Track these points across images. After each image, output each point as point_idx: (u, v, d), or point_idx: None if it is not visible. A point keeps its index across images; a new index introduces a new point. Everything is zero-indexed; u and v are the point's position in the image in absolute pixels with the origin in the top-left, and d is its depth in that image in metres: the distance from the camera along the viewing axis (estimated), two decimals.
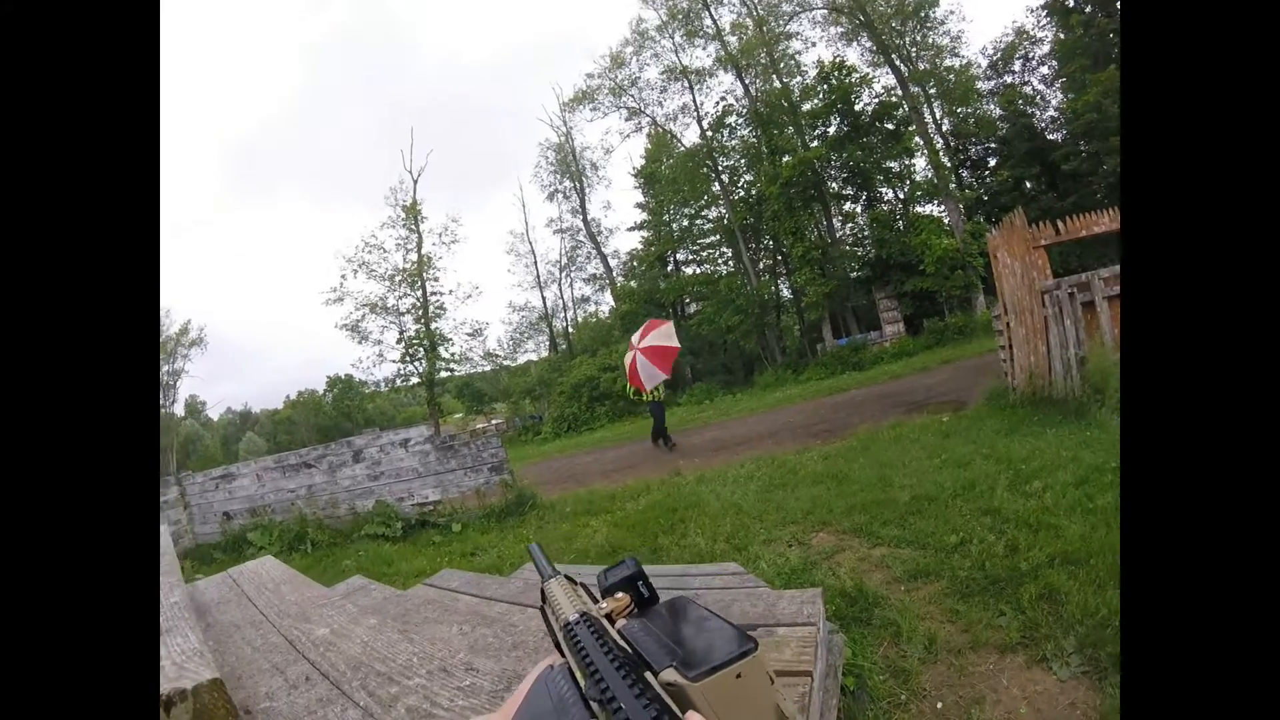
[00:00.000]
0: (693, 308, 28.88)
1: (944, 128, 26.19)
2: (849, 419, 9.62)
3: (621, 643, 0.46)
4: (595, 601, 0.57)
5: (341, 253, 27.77)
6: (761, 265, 27.36)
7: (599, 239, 32.50)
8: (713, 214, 28.43)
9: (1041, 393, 6.68)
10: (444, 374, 28.03)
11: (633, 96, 28.09)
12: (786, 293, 26.74)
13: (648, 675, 0.40)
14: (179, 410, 38.22)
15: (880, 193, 25.45)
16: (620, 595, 0.57)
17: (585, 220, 32.24)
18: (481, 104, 67.69)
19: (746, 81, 25.51)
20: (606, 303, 32.96)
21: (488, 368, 32.43)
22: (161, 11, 0.89)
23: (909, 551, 3.52)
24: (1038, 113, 25.36)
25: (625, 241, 56.87)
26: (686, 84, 26.81)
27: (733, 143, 26.67)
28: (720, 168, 26.68)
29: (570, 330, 33.43)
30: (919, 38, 24.73)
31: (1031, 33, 25.31)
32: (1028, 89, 25.72)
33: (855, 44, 25.00)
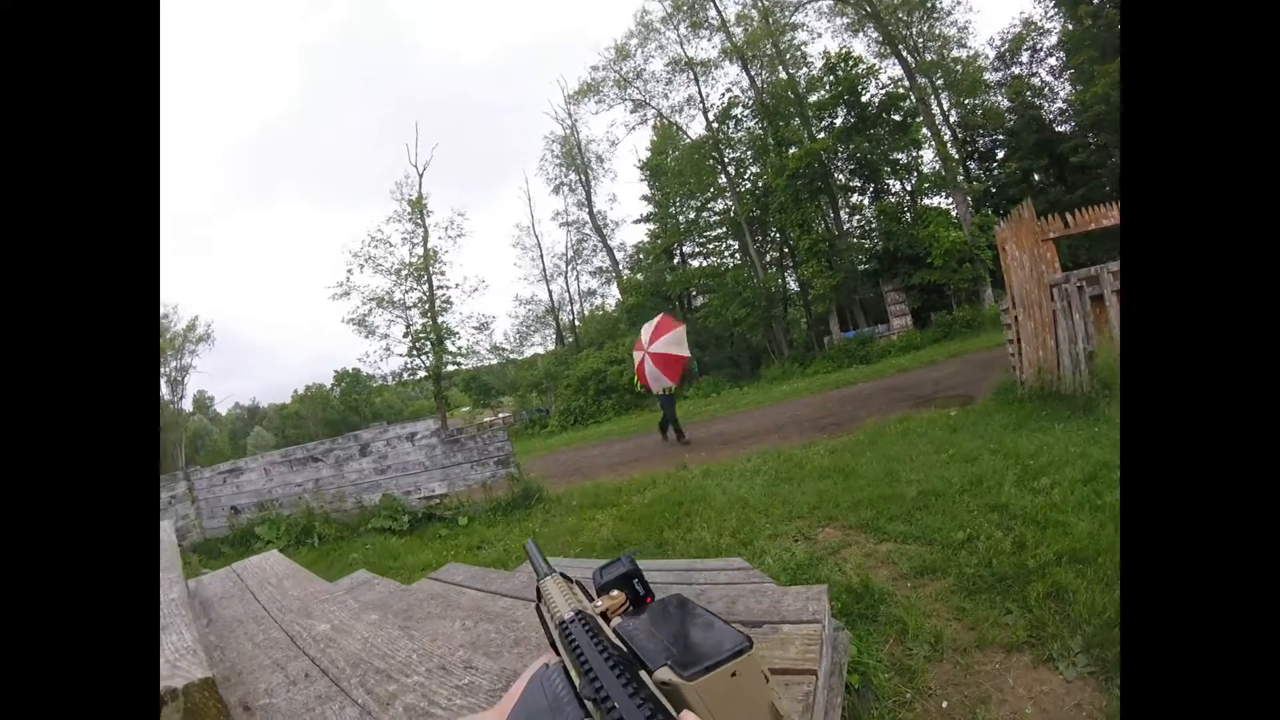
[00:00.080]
0: (699, 300, 28.82)
1: (951, 119, 25.98)
2: (856, 413, 9.58)
3: (616, 641, 0.46)
4: (591, 599, 0.57)
5: (348, 247, 27.75)
6: (768, 258, 27.27)
7: (605, 232, 32.48)
8: (719, 206, 28.33)
9: (1050, 387, 6.62)
10: (451, 367, 28.17)
11: (638, 88, 28.02)
12: (793, 285, 26.69)
13: (642, 674, 0.39)
14: (187, 406, 38.49)
15: (887, 185, 25.27)
16: (616, 593, 0.57)
17: (591, 213, 32.21)
18: (486, 98, 67.67)
19: (752, 73, 25.36)
20: (613, 296, 32.98)
21: (494, 361, 32.47)
22: (163, 12, 0.90)
23: (915, 547, 3.49)
24: (1046, 104, 25.13)
25: (631, 234, 56.75)
26: (692, 75, 26.70)
27: (739, 134, 26.54)
28: (726, 160, 26.57)
29: (577, 323, 33.44)
30: (926, 28, 24.52)
31: (1039, 23, 25.08)
32: (1036, 80, 25.47)
33: (861, 34, 24.83)
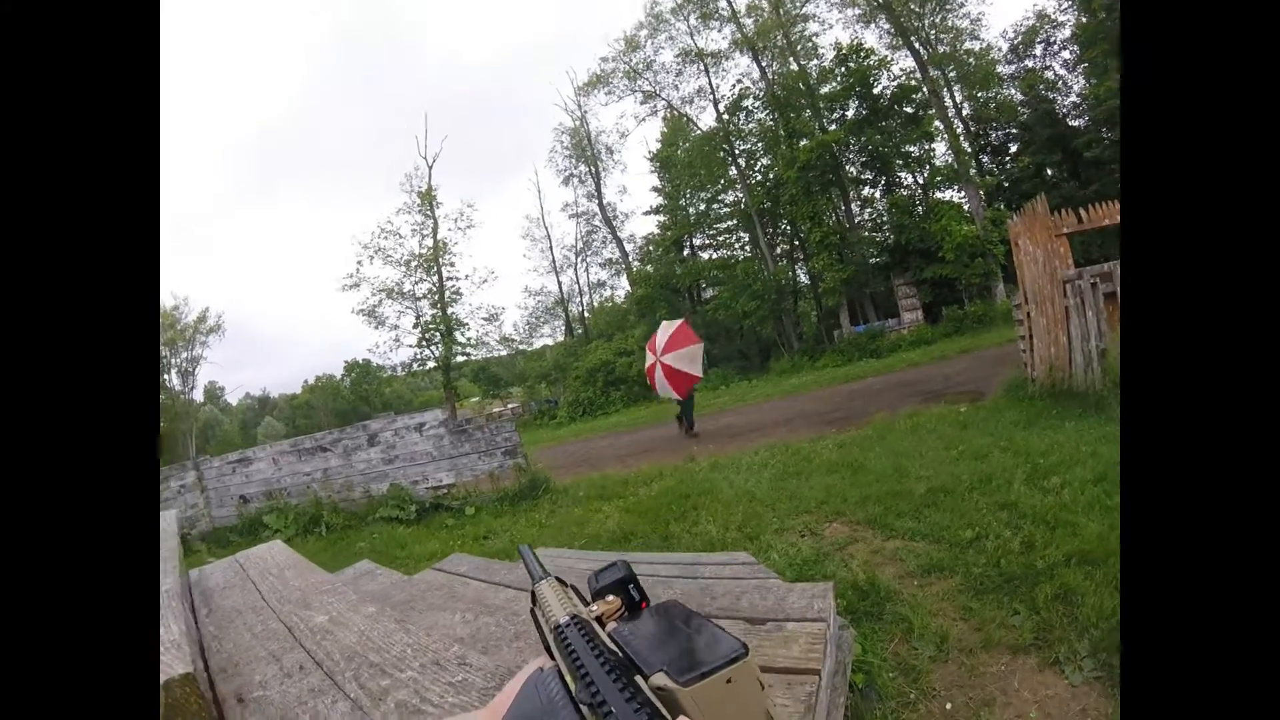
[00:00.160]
0: (709, 293, 28.74)
1: (964, 112, 25.73)
2: (865, 407, 9.52)
3: (612, 646, 0.45)
4: (586, 604, 0.57)
5: (358, 239, 27.91)
6: (779, 250, 27.14)
7: (615, 223, 32.42)
8: (729, 198, 28.17)
9: (1061, 385, 6.54)
10: (460, 358, 28.27)
11: (648, 80, 27.92)
12: (804, 278, 26.55)
13: (638, 679, 0.39)
14: (198, 396, 38.78)
15: (899, 177, 25.09)
16: (611, 598, 0.57)
17: (601, 204, 32.13)
18: (496, 90, 67.54)
19: (763, 64, 25.18)
20: (622, 287, 32.96)
21: (504, 352, 32.63)
22: (164, 12, 0.92)
23: (923, 545, 3.45)
24: (1059, 98, 24.87)
25: (641, 226, 56.58)
26: (702, 67, 26.54)
27: (749, 126, 26.39)
28: (737, 151, 26.42)
29: (586, 315, 33.44)
30: (938, 20, 24.23)
31: (1053, 16, 24.77)
32: (1049, 74, 25.21)
33: (873, 26, 24.57)
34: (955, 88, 25.43)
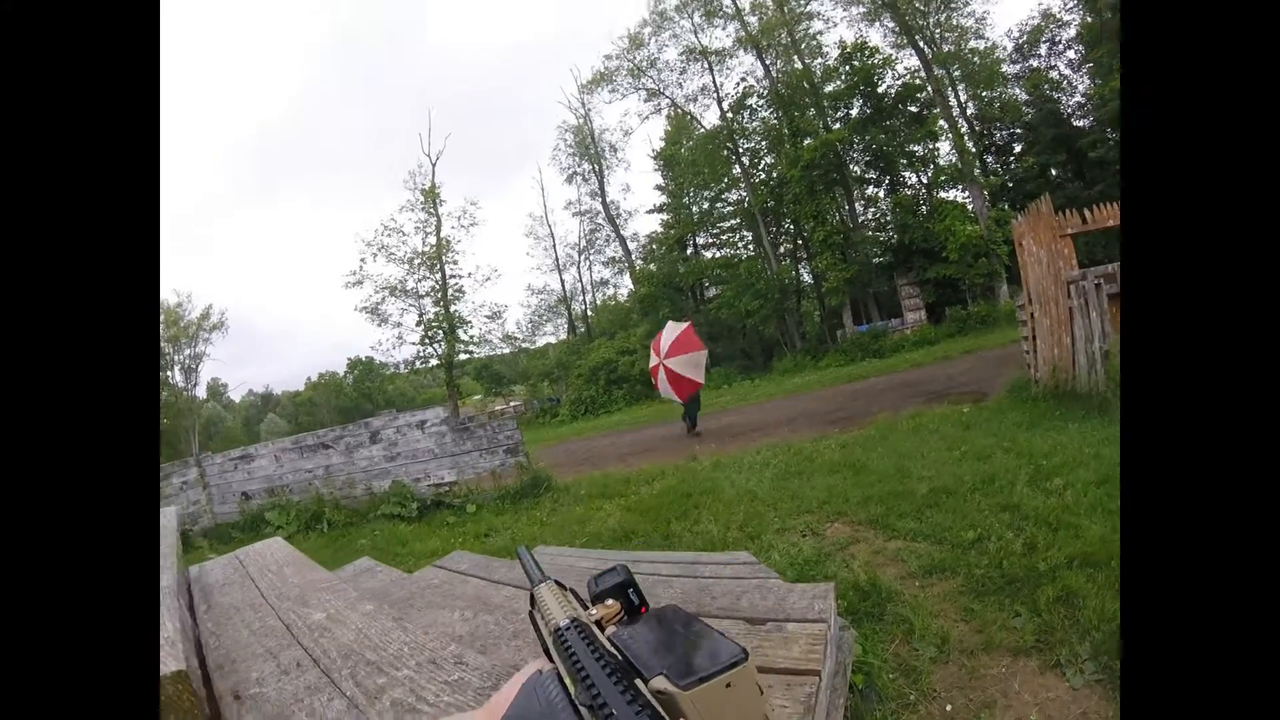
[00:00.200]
0: (712, 291, 28.70)
1: (968, 111, 25.66)
2: (868, 407, 9.50)
3: (611, 649, 0.45)
4: (585, 608, 0.57)
5: (361, 236, 27.92)
6: (782, 249, 27.11)
7: (618, 222, 32.42)
8: (733, 197, 28.16)
9: (1064, 386, 6.51)
10: (463, 356, 28.30)
11: (651, 78, 27.90)
12: (807, 277, 26.56)
13: (638, 682, 0.39)
14: (201, 393, 38.81)
15: (903, 177, 25.05)
16: (610, 602, 0.57)
17: (604, 203, 32.13)
18: (500, 88, 67.47)
19: (767, 62, 25.12)
20: (625, 286, 32.96)
21: (506, 350, 32.63)
22: (168, 10, 0.92)
23: (925, 546, 3.44)
24: (1064, 98, 24.77)
25: (644, 224, 56.62)
26: (706, 65, 26.51)
27: (753, 125, 26.34)
28: (741, 150, 26.39)
29: (589, 313, 33.44)
30: (943, 19, 24.17)
31: (1058, 16, 24.67)
32: (1054, 74, 25.11)
33: (878, 24, 24.52)
34: (960, 87, 25.37)
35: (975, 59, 24.86)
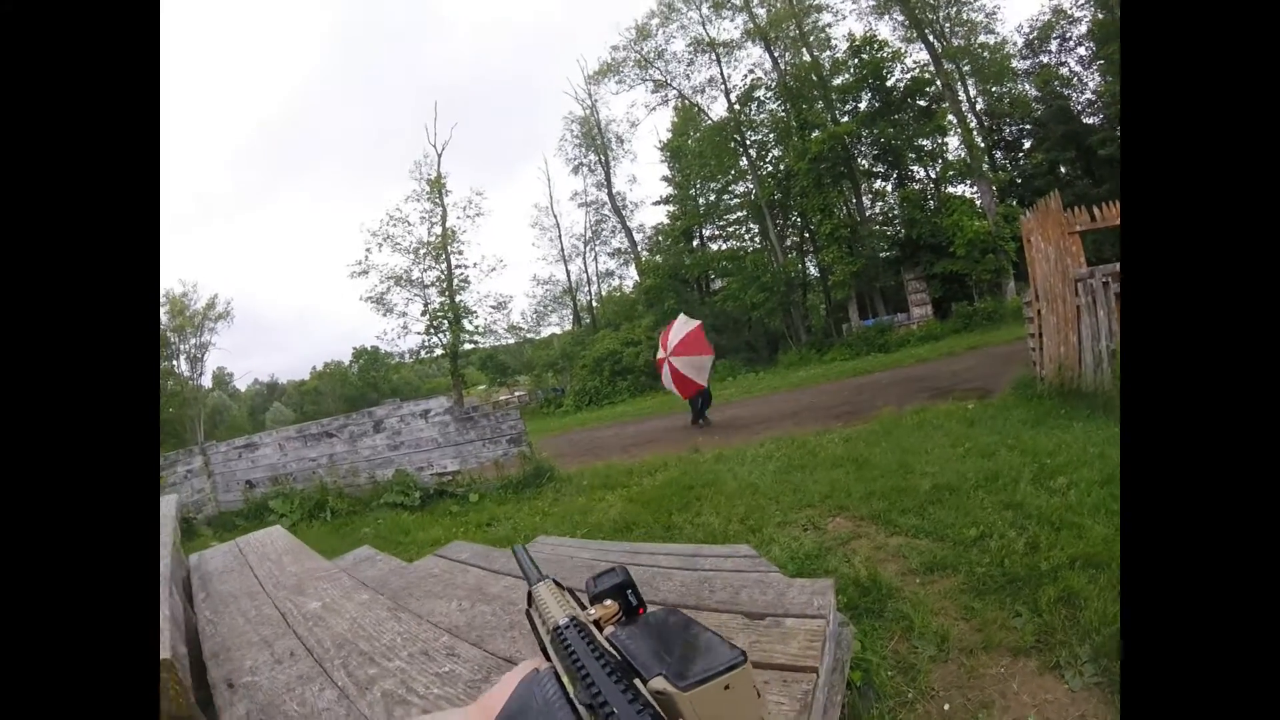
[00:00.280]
0: (718, 284, 28.62)
1: (978, 107, 25.45)
2: (872, 402, 9.46)
3: (610, 649, 0.46)
4: (583, 608, 0.57)
5: (366, 226, 27.92)
6: (788, 242, 26.99)
7: (624, 213, 32.31)
8: (740, 189, 28.00)
9: (1070, 384, 6.46)
10: (468, 346, 28.29)
11: (659, 69, 27.74)
12: (813, 271, 26.43)
13: (637, 683, 0.40)
14: (206, 382, 38.91)
15: (911, 171, 24.87)
16: (609, 602, 0.57)
17: (610, 194, 32.02)
18: (505, 79, 67.21)
19: (775, 54, 24.93)
20: (630, 277, 32.89)
21: (511, 340, 32.64)
22: (164, 10, 0.97)
23: (926, 542, 3.41)
24: (1074, 95, 24.56)
25: (650, 216, 56.41)
26: (714, 57, 26.33)
27: (761, 117, 26.18)
28: (748, 142, 26.23)
29: (594, 304, 33.40)
30: (953, 12, 23.94)
31: (1069, 11, 24.41)
32: (1064, 70, 24.89)
33: (887, 17, 24.30)
34: (969, 82, 25.16)
35: (985, 54, 24.63)
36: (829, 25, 25.12)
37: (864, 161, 24.69)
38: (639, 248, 32.16)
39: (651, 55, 27.48)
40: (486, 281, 48.00)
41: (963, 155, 23.09)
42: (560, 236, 33.56)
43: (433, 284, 27.62)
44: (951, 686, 2.17)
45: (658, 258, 30.25)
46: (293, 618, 1.93)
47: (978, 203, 22.19)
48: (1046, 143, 23.93)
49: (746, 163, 26.47)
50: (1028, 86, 25.46)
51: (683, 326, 10.69)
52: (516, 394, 31.67)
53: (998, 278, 21.04)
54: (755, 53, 25.75)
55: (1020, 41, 25.57)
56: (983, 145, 23.98)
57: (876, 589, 2.88)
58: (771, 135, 26.03)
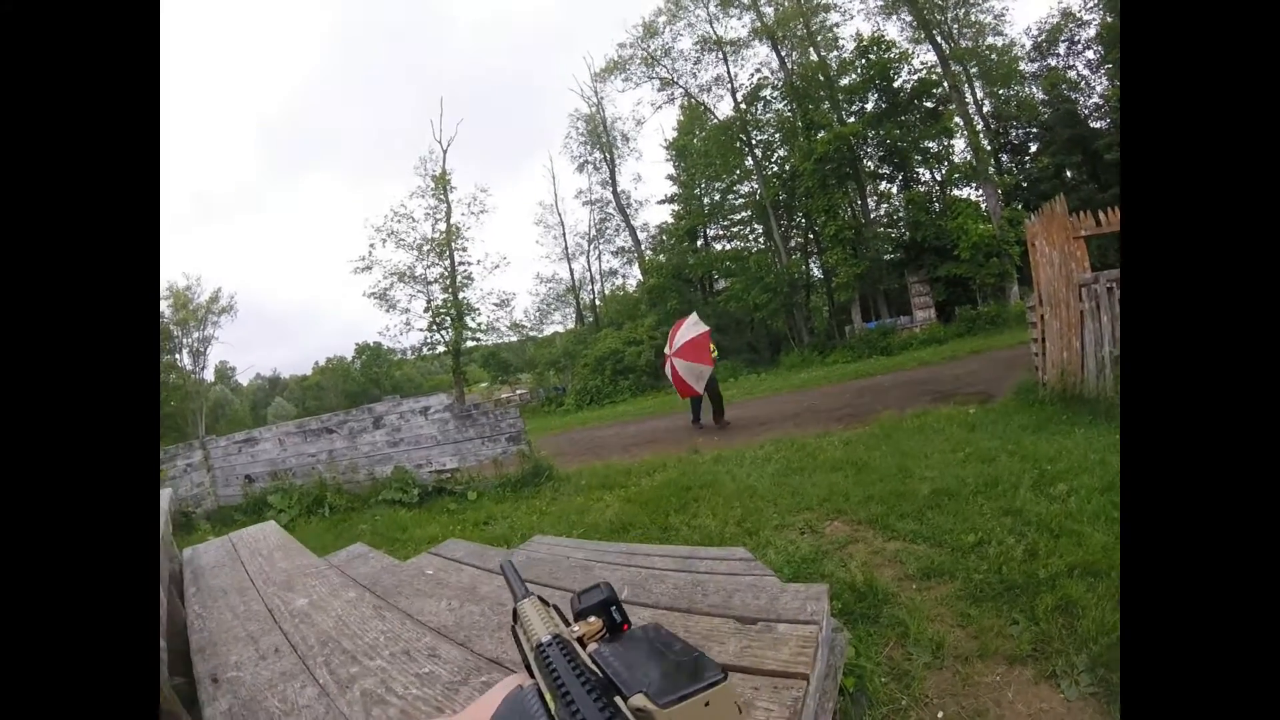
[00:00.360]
0: (721, 284, 28.58)
1: (984, 109, 25.38)
2: (873, 405, 9.43)
3: (593, 666, 0.47)
4: (568, 624, 0.59)
5: (370, 221, 27.90)
6: (793, 243, 26.94)
7: (628, 212, 32.27)
8: (745, 189, 27.94)
9: (1072, 390, 6.42)
10: (470, 343, 28.29)
11: (665, 67, 27.67)
12: (817, 272, 26.35)
13: (618, 700, 0.41)
14: (209, 376, 38.89)
15: (917, 173, 24.80)
16: (593, 619, 0.58)
17: (615, 192, 31.99)
18: (512, 75, 67.20)
19: (782, 54, 24.88)
20: (634, 276, 32.83)
21: (514, 338, 32.64)
22: (164, 9, 0.96)
23: (924, 548, 3.39)
24: (1082, 99, 24.47)
25: (655, 215, 56.32)
26: (721, 55, 26.28)
27: (767, 116, 26.13)
28: (754, 142, 26.19)
29: (597, 303, 33.37)
30: (961, 14, 23.86)
31: (1078, 15, 24.32)
32: (1072, 74, 24.79)
33: (895, 18, 24.21)
34: (976, 84, 25.08)
35: (993, 56, 24.55)
36: (837, 25, 25.10)
37: (869, 163, 24.63)
38: (643, 247, 32.14)
39: (658, 53, 27.45)
40: (490, 279, 47.93)
41: (969, 158, 23.01)
42: (564, 234, 33.58)
43: (436, 280, 27.63)
44: (946, 694, 2.14)
45: (661, 257, 30.21)
46: (280, 614, 1.92)
47: (983, 206, 22.12)
48: (1053, 146, 23.87)
49: (752, 162, 26.42)
50: (1035, 90, 25.39)
51: (690, 329, 10.58)
52: (518, 392, 31.68)
53: (1001, 282, 20.98)
54: (762, 52, 25.74)
55: (1028, 44, 25.51)
56: (989, 148, 23.91)
57: (872, 594, 2.85)
58: (777, 135, 25.99)
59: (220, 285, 36.15)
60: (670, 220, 30.93)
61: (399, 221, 27.33)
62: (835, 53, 24.89)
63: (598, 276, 34.05)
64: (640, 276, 31.09)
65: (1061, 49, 25.11)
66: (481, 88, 64.96)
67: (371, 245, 27.50)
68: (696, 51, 26.80)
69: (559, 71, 75.18)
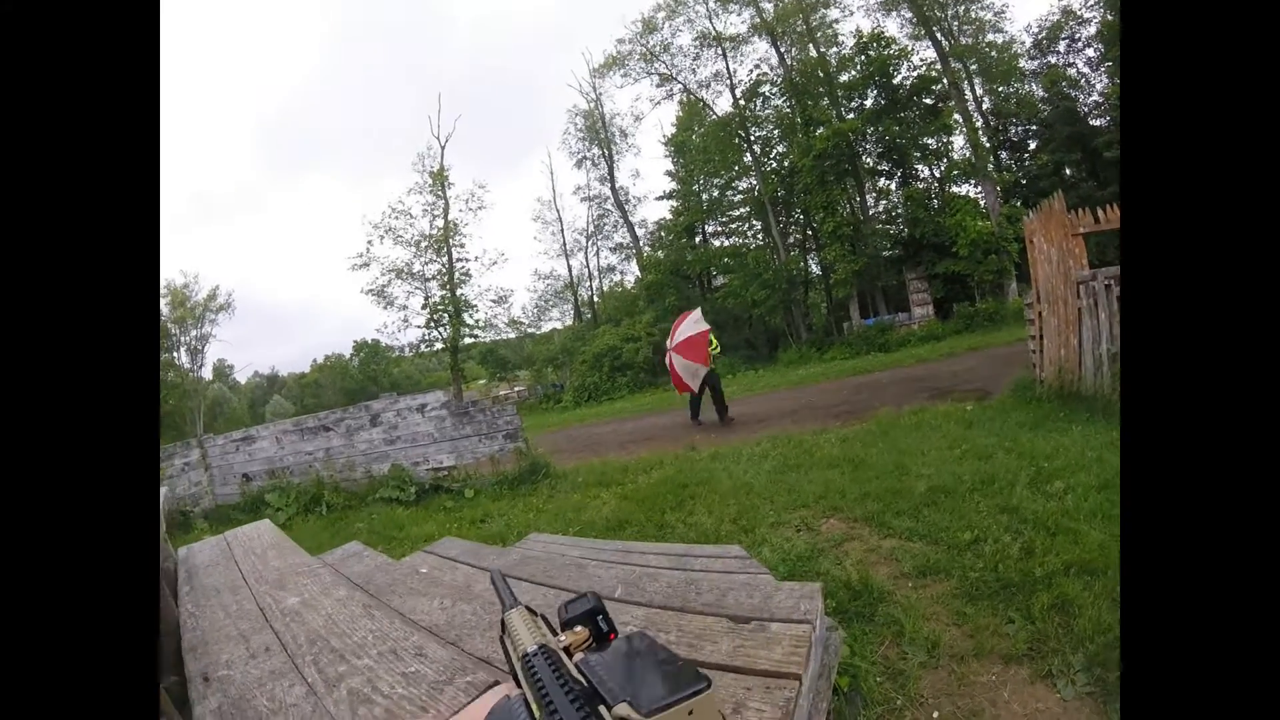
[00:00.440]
0: (719, 280, 28.56)
1: (984, 106, 25.36)
2: (870, 401, 9.43)
3: (578, 676, 0.47)
4: (555, 634, 0.59)
5: (368, 218, 27.83)
6: (791, 240, 26.92)
7: (626, 208, 32.20)
8: (743, 185, 27.90)
9: (1070, 387, 6.42)
10: (468, 340, 28.27)
11: (664, 63, 27.57)
12: (815, 269, 26.35)
13: (602, 709, 0.41)
14: (207, 374, 38.77)
15: (916, 170, 24.77)
16: (579, 629, 0.59)
17: (613, 188, 31.91)
18: (510, 71, 67.01)
19: (782, 50, 24.83)
20: (632, 272, 32.78)
21: (512, 335, 32.61)
22: (164, 9, 0.95)
23: (920, 545, 3.38)
24: (1081, 96, 24.46)
25: (653, 211, 56.34)
26: (720, 51, 26.20)
27: (766, 113, 26.09)
28: (752, 138, 26.14)
29: (595, 299, 33.34)
30: (961, 11, 23.82)
31: (1079, 13, 24.28)
32: (1072, 71, 24.77)
33: (895, 14, 24.15)
34: (976, 81, 25.05)
35: (993, 53, 24.52)
36: (836, 21, 24.98)
37: (868, 159, 24.59)
38: (641, 243, 32.08)
39: (657, 49, 27.35)
40: (488, 275, 47.82)
41: (968, 155, 22.99)
42: (562, 231, 33.51)
43: (434, 277, 27.58)
44: (941, 694, 2.13)
45: (660, 253, 30.18)
46: (271, 613, 1.91)
47: (982, 203, 22.12)
48: (1052, 144, 23.86)
49: (750, 159, 26.39)
50: (1035, 87, 25.36)
51: (691, 326, 10.53)
52: (516, 389, 31.64)
53: (1000, 279, 20.98)
54: (761, 48, 25.65)
55: (1028, 41, 25.48)
56: (988, 145, 23.90)
57: (868, 592, 2.85)
58: (776, 131, 25.94)
59: (218, 283, 35.92)
60: (668, 216, 30.89)
61: (396, 218, 27.29)
62: (835, 49, 24.81)
63: (596, 273, 34.03)
64: (638, 273, 31.05)
65: (1062, 46, 25.08)
66: (480, 85, 64.75)
67: (369, 242, 27.46)
68: (695, 47, 26.72)
69: (558, 68, 75.00)
